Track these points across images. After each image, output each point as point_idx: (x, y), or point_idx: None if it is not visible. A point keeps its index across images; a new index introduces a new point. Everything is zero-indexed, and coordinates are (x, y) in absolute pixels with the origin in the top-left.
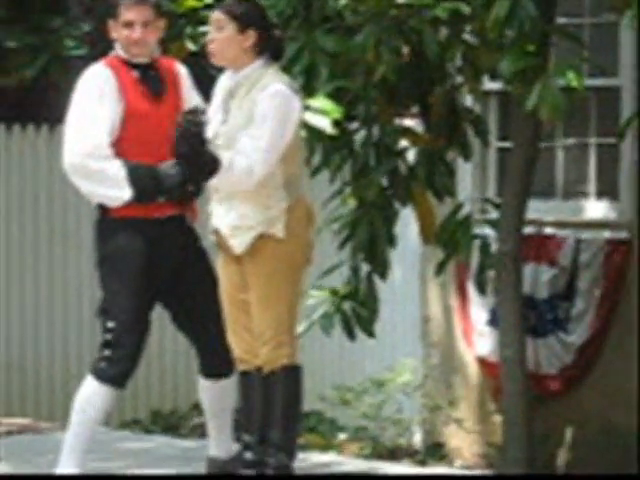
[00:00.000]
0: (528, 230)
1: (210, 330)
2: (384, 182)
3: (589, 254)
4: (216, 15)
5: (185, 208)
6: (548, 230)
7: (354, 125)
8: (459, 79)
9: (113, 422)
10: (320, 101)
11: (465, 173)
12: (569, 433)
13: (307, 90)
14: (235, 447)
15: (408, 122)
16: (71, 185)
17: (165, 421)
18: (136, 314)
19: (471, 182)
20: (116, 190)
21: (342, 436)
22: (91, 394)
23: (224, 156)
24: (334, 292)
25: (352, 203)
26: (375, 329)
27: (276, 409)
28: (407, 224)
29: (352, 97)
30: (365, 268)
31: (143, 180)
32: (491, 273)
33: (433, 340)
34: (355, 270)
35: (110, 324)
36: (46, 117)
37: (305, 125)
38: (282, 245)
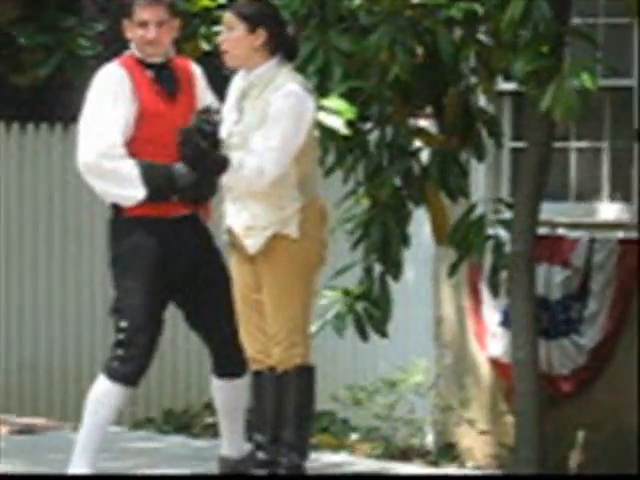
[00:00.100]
0: (541, 231)
1: (223, 330)
2: (398, 182)
3: (602, 255)
4: (227, 16)
5: (198, 207)
6: (561, 231)
7: (368, 125)
8: (473, 79)
9: (125, 421)
10: (334, 101)
11: (478, 174)
12: (581, 434)
13: (321, 90)
14: (247, 447)
15: (422, 122)
16: (85, 184)
17: (177, 420)
18: (149, 313)
19: (484, 183)
20: (130, 189)
21: (354, 436)
22: (104, 393)
23: (234, 156)
24: (347, 292)
25: (365, 203)
26: (388, 329)
27: (289, 409)
28: (420, 224)
29: (366, 97)
30: (378, 268)
31: (157, 179)
32: (504, 274)
33: (446, 341)
34: (368, 270)
35: (123, 323)
36: (60, 116)
37: (319, 125)
38: (296, 245)
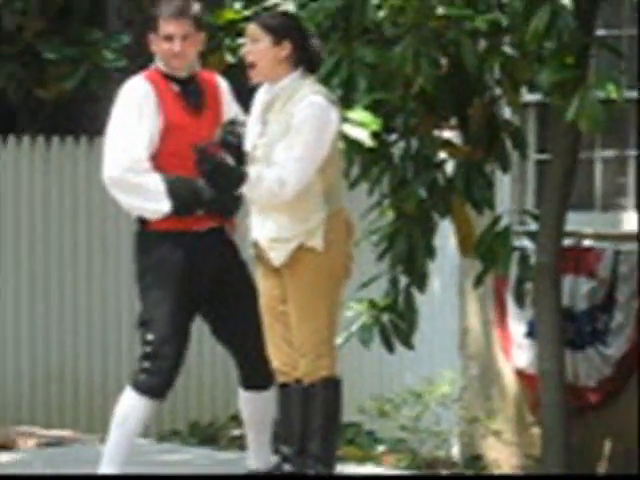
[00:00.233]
0: (567, 242)
1: (250, 342)
2: (423, 194)
3: (628, 266)
4: (251, 28)
5: (224, 221)
6: (587, 242)
7: (393, 137)
8: (498, 91)
9: (152, 434)
10: (359, 113)
11: (504, 185)
12: (607, 445)
13: (346, 102)
14: (274, 459)
15: (447, 134)
16: (110, 197)
17: (203, 433)
18: (175, 326)
19: (510, 194)
20: (155, 203)
21: (380, 448)
22: (131, 406)
23: (253, 169)
24: (373, 304)
25: (391, 215)
26: (413, 341)
27: (315, 421)
28: (446, 236)
29: (391, 109)
30: (404, 280)
31: (182, 193)
32: (530, 285)
33: (471, 352)
34: (394, 282)
35: (149, 336)
36: (85, 129)
37: (344, 137)
38: (321, 257)
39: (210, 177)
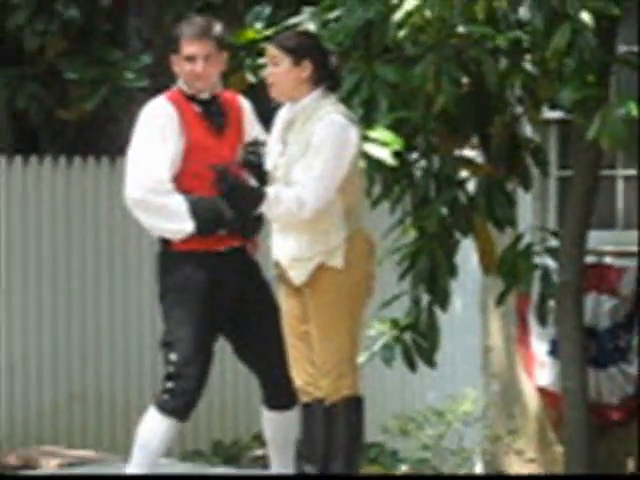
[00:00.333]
0: (589, 259)
1: (272, 362)
2: (444, 212)
3: None
4: (271, 50)
5: (246, 240)
6: (608, 260)
7: (414, 156)
8: (519, 109)
9: (174, 453)
10: (380, 132)
11: (525, 203)
12: (631, 463)
13: (367, 121)
14: None
15: (468, 152)
16: (132, 217)
17: (226, 452)
18: (198, 346)
19: (531, 212)
20: (178, 223)
21: (403, 467)
22: (154, 426)
23: (274, 188)
24: (395, 323)
25: (413, 234)
26: (436, 359)
27: (338, 440)
28: (467, 254)
29: (412, 128)
30: (426, 299)
31: (204, 213)
32: (552, 303)
33: (494, 370)
34: (416, 301)
35: (173, 357)
36: (106, 149)
37: (365, 156)
38: (341, 276)
39: (228, 197)
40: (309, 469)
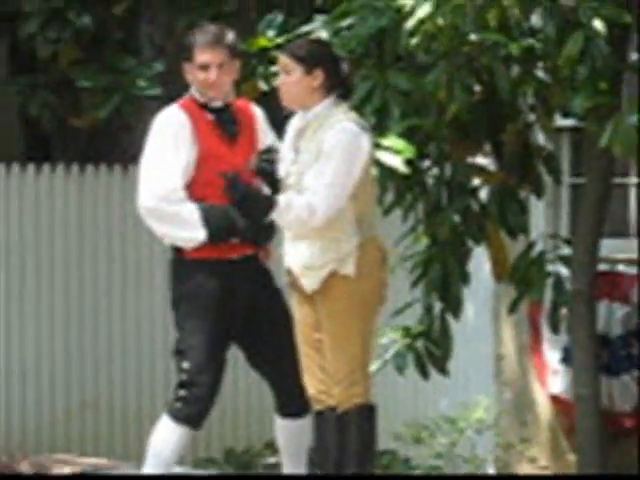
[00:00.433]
0: (601, 267)
1: (285, 370)
2: (457, 220)
3: None
4: (282, 59)
5: (258, 249)
6: (621, 267)
7: (426, 163)
8: (531, 116)
9: (187, 461)
10: (392, 140)
11: (538, 210)
12: None
13: (379, 129)
14: None
15: (480, 160)
16: (144, 225)
17: (238, 460)
18: (211, 355)
19: (544, 219)
20: (190, 232)
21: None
22: (167, 434)
23: (285, 195)
24: (407, 330)
25: (425, 241)
26: (448, 367)
27: (350, 448)
28: (480, 262)
29: (424, 135)
30: (438, 306)
31: (216, 221)
32: (564, 311)
33: (506, 378)
34: (428, 308)
35: (185, 365)
36: (119, 157)
37: (377, 164)
38: (353, 284)
39: (239, 204)
40: None
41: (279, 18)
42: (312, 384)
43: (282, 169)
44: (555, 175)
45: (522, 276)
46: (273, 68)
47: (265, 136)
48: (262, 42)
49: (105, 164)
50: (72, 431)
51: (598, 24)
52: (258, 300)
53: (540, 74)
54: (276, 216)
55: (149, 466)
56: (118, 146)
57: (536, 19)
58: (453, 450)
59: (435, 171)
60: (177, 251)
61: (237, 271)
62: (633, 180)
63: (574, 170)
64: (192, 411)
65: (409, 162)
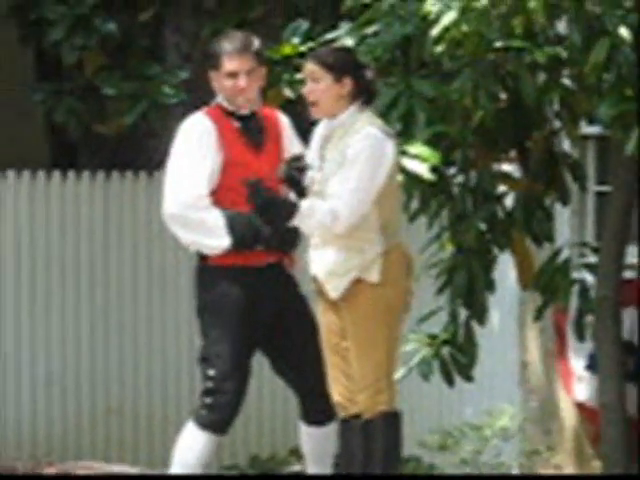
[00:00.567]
0: (627, 275)
1: (310, 377)
2: (482, 227)
3: None
4: (310, 67)
5: (283, 256)
6: None
7: (452, 170)
8: (557, 124)
9: (212, 468)
10: (418, 147)
11: (563, 218)
12: None
13: (405, 136)
14: None
15: (506, 167)
16: (169, 231)
17: (263, 467)
18: (236, 362)
19: (569, 227)
20: (215, 239)
21: None
22: (192, 441)
23: (308, 201)
24: (432, 337)
25: (450, 248)
26: (473, 374)
27: (375, 455)
28: (505, 269)
29: (450, 142)
30: (463, 313)
31: (241, 228)
32: (590, 318)
33: (531, 385)
34: (453, 315)
35: (211, 372)
36: (144, 164)
37: (403, 171)
38: (378, 290)
39: (261, 210)
40: None
41: (304, 25)
42: (337, 391)
43: (308, 177)
44: (581, 182)
45: (547, 283)
46: (298, 75)
47: (291, 144)
48: (287, 49)
49: (131, 171)
50: (97, 438)
51: (624, 31)
52: (283, 307)
53: (566, 81)
54: (298, 221)
55: (175, 472)
56: (143, 153)
57: (562, 26)
58: (478, 457)
59: (460, 178)
60: (202, 258)
61: (262, 278)
62: None
63: (600, 178)
64: (217, 418)
65: (434, 169)
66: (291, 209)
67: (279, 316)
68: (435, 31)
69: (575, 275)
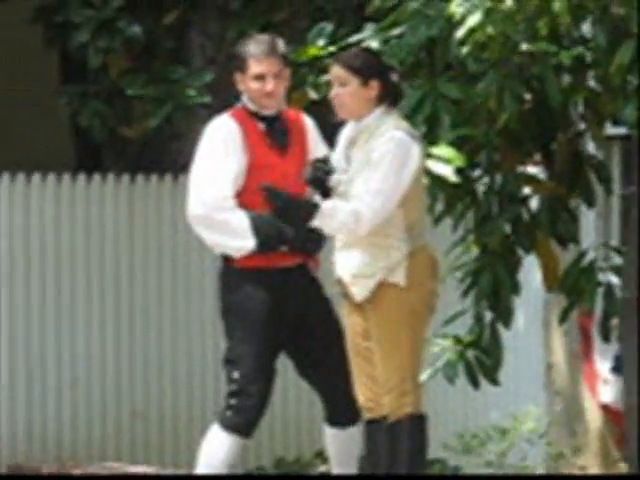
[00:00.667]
0: None
1: (334, 379)
2: (507, 229)
3: None
4: (336, 70)
5: (308, 258)
6: None
7: (477, 172)
8: (582, 125)
9: (237, 470)
10: (443, 149)
11: (588, 220)
12: None
13: (430, 138)
14: None
15: (531, 169)
16: (194, 233)
17: (289, 469)
18: (261, 364)
19: (594, 229)
20: (239, 240)
21: None
22: (217, 443)
23: (330, 201)
24: (458, 340)
25: (475, 251)
26: (499, 377)
27: (401, 457)
28: (530, 271)
29: (475, 145)
30: (489, 316)
31: (266, 230)
32: (615, 320)
33: (557, 387)
34: (479, 318)
35: (236, 374)
36: (169, 166)
37: (428, 173)
38: (403, 293)
39: (280, 212)
40: None
41: (329, 27)
42: (362, 393)
43: (333, 178)
44: (606, 184)
45: (573, 285)
46: (323, 77)
47: (316, 146)
48: (312, 51)
49: (156, 173)
50: (123, 440)
51: None
52: (307, 309)
53: (591, 83)
54: (320, 222)
55: (200, 474)
56: (168, 155)
57: (587, 28)
58: (503, 460)
59: (485, 180)
60: (226, 260)
61: (286, 280)
62: None
63: (625, 179)
64: (242, 420)
65: (459, 171)
66: (311, 209)
67: (303, 318)
68: (460, 33)
69: (600, 277)
